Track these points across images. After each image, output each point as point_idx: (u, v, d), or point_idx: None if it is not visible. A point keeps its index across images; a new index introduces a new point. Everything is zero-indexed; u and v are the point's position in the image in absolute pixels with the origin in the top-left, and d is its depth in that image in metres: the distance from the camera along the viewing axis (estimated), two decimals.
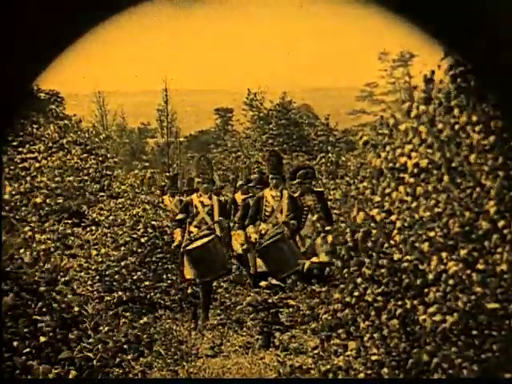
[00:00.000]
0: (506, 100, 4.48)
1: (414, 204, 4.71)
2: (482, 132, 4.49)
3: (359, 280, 4.92)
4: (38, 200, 11.22)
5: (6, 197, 10.19)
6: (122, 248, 9.61)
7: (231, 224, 11.32)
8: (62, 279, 6.37)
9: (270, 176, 8.79)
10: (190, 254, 8.78)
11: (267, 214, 8.71)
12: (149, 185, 14.98)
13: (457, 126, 4.56)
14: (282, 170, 9.07)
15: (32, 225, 7.71)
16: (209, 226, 9.05)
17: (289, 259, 8.32)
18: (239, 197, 11.93)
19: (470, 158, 4.51)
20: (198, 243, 8.81)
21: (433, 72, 4.80)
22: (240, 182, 12.42)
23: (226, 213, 9.59)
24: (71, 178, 12.55)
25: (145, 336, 6.85)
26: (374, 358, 4.81)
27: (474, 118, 4.53)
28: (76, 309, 6.17)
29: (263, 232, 8.63)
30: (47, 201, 11.53)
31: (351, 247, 4.92)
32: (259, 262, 8.49)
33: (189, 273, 8.87)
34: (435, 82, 4.79)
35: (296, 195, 9.01)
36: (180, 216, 9.27)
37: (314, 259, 8.42)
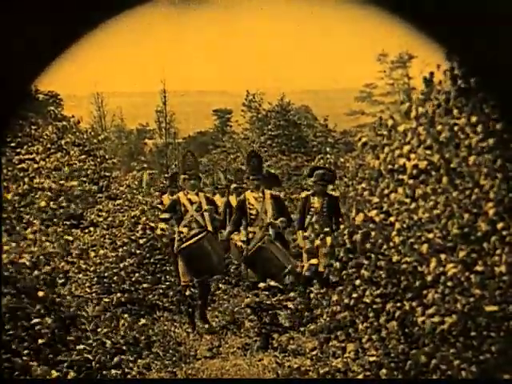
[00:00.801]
0: (506, 101, 4.48)
1: (413, 205, 4.71)
2: (481, 133, 4.49)
3: (358, 282, 4.92)
4: (43, 203, 11.20)
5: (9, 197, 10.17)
6: (121, 249, 9.58)
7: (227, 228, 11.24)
8: (61, 281, 6.37)
9: (251, 177, 8.53)
10: (183, 252, 8.62)
11: (252, 216, 8.52)
12: (147, 184, 14.93)
13: (456, 128, 4.57)
14: (262, 170, 8.82)
15: (35, 228, 7.70)
16: (199, 223, 8.78)
17: (277, 263, 8.09)
18: (233, 200, 11.91)
19: (469, 159, 4.51)
20: (190, 242, 8.62)
21: (432, 73, 4.81)
22: (234, 185, 12.36)
23: (216, 208, 9.15)
24: (73, 182, 12.54)
25: (143, 337, 6.85)
26: (372, 359, 4.80)
27: (474, 119, 4.53)
28: (74, 308, 6.18)
29: (251, 236, 8.49)
30: (50, 204, 11.52)
31: (350, 249, 4.92)
32: (250, 272, 8.35)
33: (184, 276, 8.73)
34: (434, 83, 4.79)
35: (307, 194, 8.85)
36: (165, 215, 9.00)
37: (313, 261, 8.38)
